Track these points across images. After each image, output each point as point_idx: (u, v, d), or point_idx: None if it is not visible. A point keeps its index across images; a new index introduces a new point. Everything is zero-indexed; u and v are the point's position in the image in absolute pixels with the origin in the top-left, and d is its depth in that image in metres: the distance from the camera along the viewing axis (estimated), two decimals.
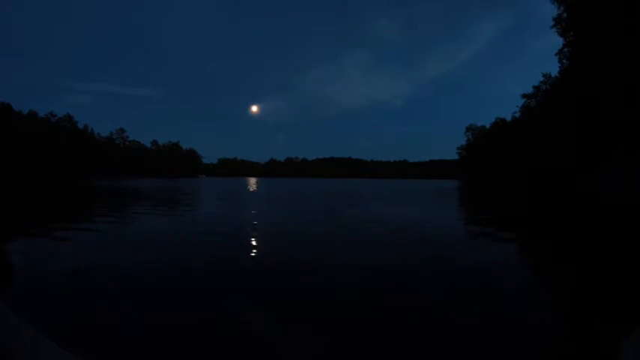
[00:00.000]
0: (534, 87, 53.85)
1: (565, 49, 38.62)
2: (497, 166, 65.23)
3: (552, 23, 37.10)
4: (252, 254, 5.14)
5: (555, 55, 40.58)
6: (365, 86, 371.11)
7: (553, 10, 37.80)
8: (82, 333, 2.34)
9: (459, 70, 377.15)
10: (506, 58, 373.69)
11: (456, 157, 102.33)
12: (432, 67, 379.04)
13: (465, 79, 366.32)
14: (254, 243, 5.82)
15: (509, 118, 71.54)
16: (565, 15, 35.86)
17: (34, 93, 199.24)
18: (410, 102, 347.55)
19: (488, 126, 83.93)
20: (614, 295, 3.31)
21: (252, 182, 52.78)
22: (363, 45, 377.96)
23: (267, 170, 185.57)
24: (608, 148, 31.05)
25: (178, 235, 6.67)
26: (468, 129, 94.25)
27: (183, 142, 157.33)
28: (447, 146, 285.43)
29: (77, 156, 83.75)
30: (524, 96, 56.78)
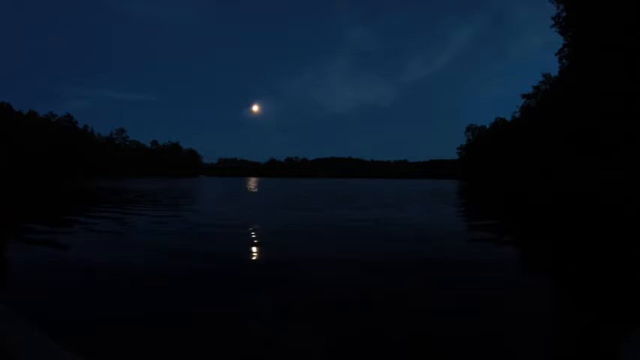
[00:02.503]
0: (534, 87, 53.94)
1: (565, 49, 38.64)
2: (497, 166, 65.33)
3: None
4: None
5: (555, 55, 40.64)
6: (350, 90, 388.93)
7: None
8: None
9: (441, 73, 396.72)
10: (485, 60, 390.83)
11: (456, 157, 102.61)
12: (413, 71, 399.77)
13: (447, 80, 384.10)
14: None
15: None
16: (564, 14, 35.87)
17: (33, 98, 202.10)
18: (397, 104, 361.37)
19: (488, 126, 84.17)
20: (614, 295, 3.31)
21: (253, 183, 52.72)
22: (342, 53, 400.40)
23: (268, 170, 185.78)
24: (609, 148, 31.06)
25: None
26: (467, 129, 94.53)
27: (183, 143, 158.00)
28: (446, 146, 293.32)
29: (77, 156, 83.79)
30: (524, 96, 56.89)
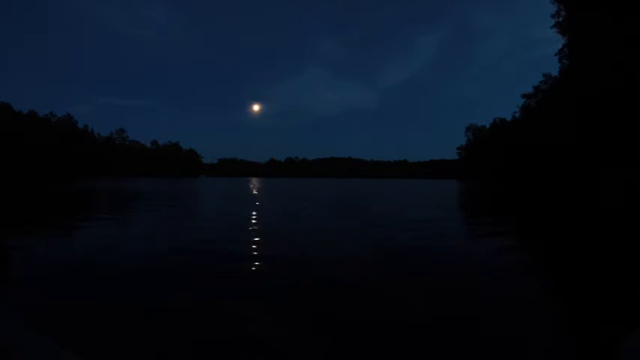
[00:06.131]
0: (534, 87, 53.85)
1: (565, 49, 38.67)
2: (497, 166, 65.29)
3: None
4: None
5: (555, 55, 40.68)
6: (337, 95, 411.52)
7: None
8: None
9: (415, 78, 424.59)
10: (457, 63, 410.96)
11: (456, 157, 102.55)
12: (390, 77, 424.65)
13: (423, 85, 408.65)
14: None
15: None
16: (564, 14, 35.88)
17: (34, 103, 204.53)
18: (383, 107, 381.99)
19: (488, 126, 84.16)
20: (614, 295, 3.31)
21: (254, 183, 52.70)
22: (320, 62, 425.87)
23: (268, 170, 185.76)
24: (609, 148, 31.04)
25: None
26: (468, 129, 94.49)
27: (183, 143, 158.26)
28: (438, 145, 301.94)
29: (77, 156, 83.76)
30: (523, 96, 56.82)
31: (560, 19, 36.61)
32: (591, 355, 2.22)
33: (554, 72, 46.46)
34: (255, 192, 21.47)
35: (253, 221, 8.79)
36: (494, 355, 2.18)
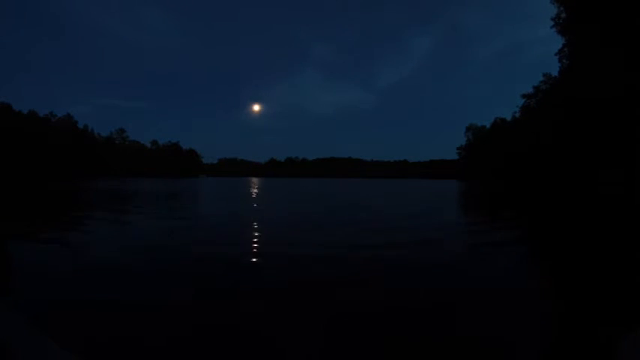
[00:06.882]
0: (534, 87, 53.81)
1: (565, 49, 38.65)
2: (497, 166, 65.31)
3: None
4: None
5: (555, 55, 40.67)
6: (334, 96, 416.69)
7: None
8: None
9: (415, 78, 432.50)
10: (455, 64, 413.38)
11: (456, 157, 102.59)
12: (389, 77, 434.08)
13: (423, 85, 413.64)
14: None
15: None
16: (564, 15, 35.87)
17: (34, 103, 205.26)
18: (379, 107, 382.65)
19: (488, 126, 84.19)
20: (614, 295, 3.31)
21: (254, 183, 52.67)
22: (318, 62, 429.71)
23: (268, 170, 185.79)
24: (608, 148, 31.05)
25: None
26: (468, 129, 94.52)
27: (182, 143, 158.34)
28: (446, 146, 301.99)
29: (77, 156, 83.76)
30: (523, 96, 56.79)
31: (560, 20, 36.60)
32: (591, 355, 2.21)
33: (554, 72, 46.42)
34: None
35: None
36: (491, 355, 2.18)
